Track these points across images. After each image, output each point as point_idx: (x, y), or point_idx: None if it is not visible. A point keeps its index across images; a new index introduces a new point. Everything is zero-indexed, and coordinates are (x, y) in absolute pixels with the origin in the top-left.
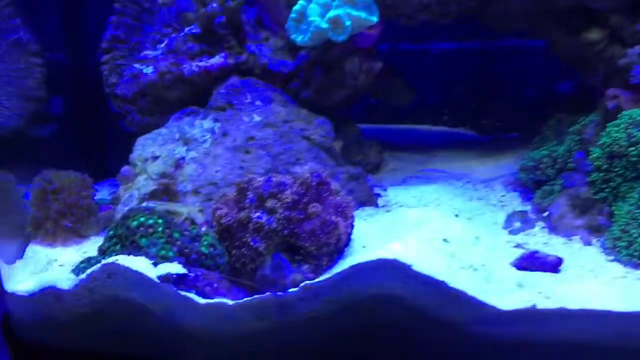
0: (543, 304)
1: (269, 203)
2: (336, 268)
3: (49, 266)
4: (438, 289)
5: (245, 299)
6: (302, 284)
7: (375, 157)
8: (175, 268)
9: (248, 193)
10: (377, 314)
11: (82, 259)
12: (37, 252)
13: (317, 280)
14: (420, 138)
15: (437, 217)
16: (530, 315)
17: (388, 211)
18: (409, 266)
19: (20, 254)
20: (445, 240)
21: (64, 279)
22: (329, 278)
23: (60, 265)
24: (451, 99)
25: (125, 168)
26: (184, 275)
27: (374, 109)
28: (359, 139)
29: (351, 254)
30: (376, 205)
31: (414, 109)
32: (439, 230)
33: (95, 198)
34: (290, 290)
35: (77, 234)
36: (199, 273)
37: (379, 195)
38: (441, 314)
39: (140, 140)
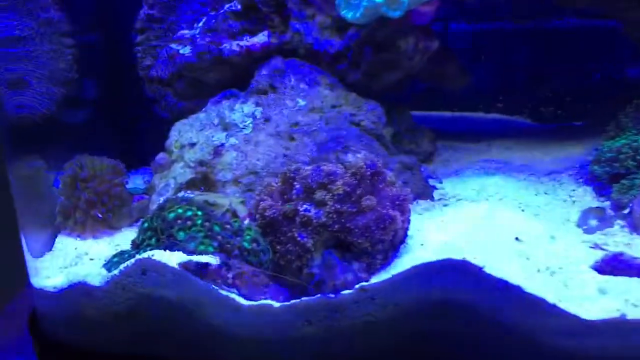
0: (633, 313)
1: (318, 195)
2: (393, 268)
3: (79, 260)
4: (513, 295)
5: (293, 301)
6: (358, 285)
7: (428, 146)
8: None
9: (295, 183)
10: (441, 322)
11: (114, 253)
12: (66, 244)
13: (374, 281)
14: (474, 126)
15: (505, 213)
16: (619, 327)
17: (445, 205)
18: (480, 268)
19: (50, 246)
20: (517, 239)
21: (95, 275)
22: (388, 279)
23: (91, 259)
24: (507, 84)
25: (160, 155)
26: (205, 264)
27: (422, 94)
28: (411, 126)
29: (408, 252)
30: (432, 198)
31: (465, 95)
32: (510, 228)
33: (128, 187)
34: (344, 292)
35: (108, 225)
36: (229, 263)
37: (434, 187)
38: (516, 324)
39: (177, 125)
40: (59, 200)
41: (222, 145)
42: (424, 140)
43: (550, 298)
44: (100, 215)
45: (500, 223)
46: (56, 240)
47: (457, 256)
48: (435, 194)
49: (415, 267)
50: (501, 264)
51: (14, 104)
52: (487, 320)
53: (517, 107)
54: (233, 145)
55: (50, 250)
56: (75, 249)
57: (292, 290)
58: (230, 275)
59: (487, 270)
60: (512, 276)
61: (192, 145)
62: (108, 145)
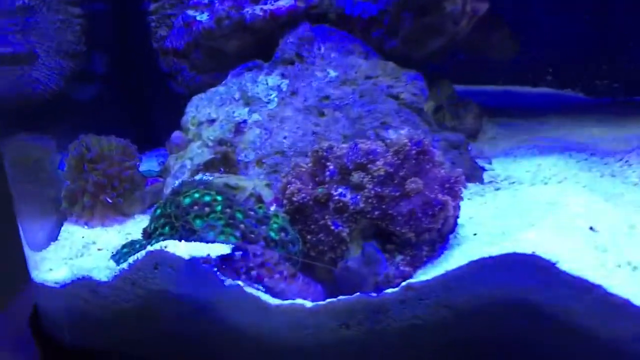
0: None
1: (356, 177)
2: (442, 262)
3: (86, 250)
4: (592, 295)
5: (328, 300)
6: (404, 282)
7: (473, 123)
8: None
9: (328, 164)
10: (503, 328)
11: (124, 243)
12: (72, 232)
13: (421, 278)
14: (521, 101)
15: (575, 198)
16: None
17: (497, 189)
18: (553, 264)
19: (55, 235)
20: (591, 228)
21: (102, 268)
22: (440, 276)
23: (99, 250)
24: (558, 55)
25: (176, 134)
26: (228, 256)
27: (463, 66)
28: (454, 101)
29: (459, 244)
30: (482, 181)
31: (511, 67)
32: (581, 216)
33: (141, 169)
34: (388, 290)
35: (119, 212)
36: (252, 252)
37: (482, 168)
38: (595, 330)
39: (194, 100)
40: (64, 185)
41: (244, 121)
42: (468, 116)
43: (637, 300)
44: (109, 200)
45: (570, 210)
46: (62, 228)
47: (519, 249)
48: (485, 176)
49: (473, 263)
50: (575, 259)
51: (27, 78)
52: (560, 326)
53: (569, 80)
54: (256, 122)
55: (56, 239)
56: (82, 237)
57: (325, 287)
58: (255, 269)
59: (561, 266)
60: (589, 273)
61: (211, 122)
62: (119, 124)
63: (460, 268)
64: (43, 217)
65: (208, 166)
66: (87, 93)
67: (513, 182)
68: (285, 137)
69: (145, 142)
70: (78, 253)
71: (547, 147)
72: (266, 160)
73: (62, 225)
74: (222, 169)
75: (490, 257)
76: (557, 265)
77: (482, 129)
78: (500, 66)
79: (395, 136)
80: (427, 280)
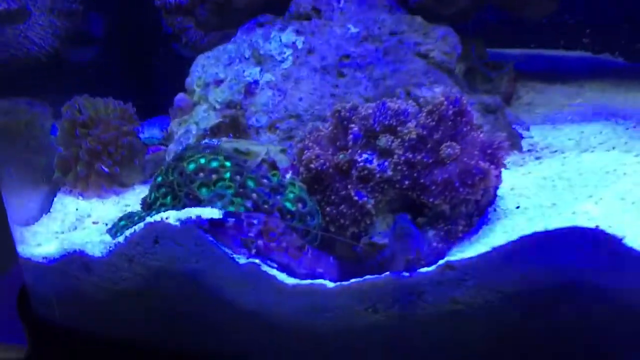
0: None
1: (383, 140)
2: (482, 238)
3: (79, 223)
4: None
5: (354, 280)
6: (443, 260)
7: (507, 86)
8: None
9: (351, 126)
10: (559, 313)
11: (121, 215)
12: (65, 204)
13: (458, 256)
14: (556, 65)
15: (632, 167)
16: None
17: (538, 158)
18: (620, 240)
19: (47, 207)
20: None
21: (96, 243)
22: (485, 254)
23: (94, 223)
24: (595, 16)
25: (179, 96)
26: (219, 221)
27: (493, 26)
28: (486, 62)
29: (499, 218)
30: (520, 150)
31: (544, 29)
32: None
33: (142, 137)
34: (423, 269)
35: (116, 182)
36: (248, 219)
37: (520, 135)
38: None
39: (200, 59)
40: (57, 151)
41: (256, 82)
42: (502, 79)
43: None
44: (106, 169)
45: (630, 180)
46: (55, 199)
47: (578, 223)
48: (523, 145)
49: (525, 238)
50: None
51: (21, 39)
52: (629, 313)
53: (607, 43)
54: (269, 83)
55: (48, 212)
56: (76, 210)
57: (345, 266)
58: (266, 242)
59: (628, 242)
60: None
61: (219, 82)
62: (120, 90)
63: (509, 244)
64: (33, 187)
65: (215, 131)
66: (84, 56)
67: (555, 151)
68: (300, 100)
69: (147, 109)
70: (71, 226)
71: (590, 114)
72: (280, 124)
73: (54, 196)
74: (230, 135)
75: (545, 232)
76: (624, 242)
77: (516, 94)
78: (532, 28)
79: (429, 94)
80: (470, 258)
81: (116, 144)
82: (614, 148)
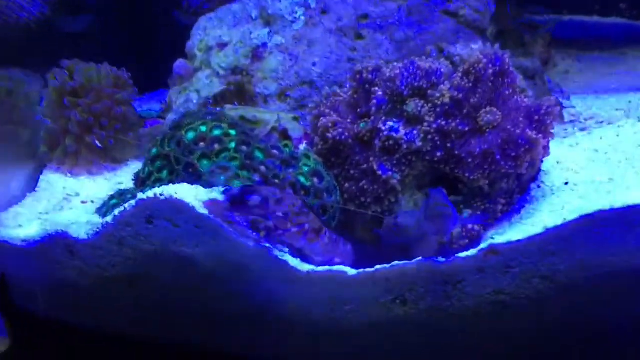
0: None
1: (412, 106)
2: (525, 219)
3: (67, 203)
4: None
5: (379, 267)
6: (485, 244)
7: (542, 52)
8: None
9: (374, 89)
10: (627, 305)
11: (112, 193)
12: (52, 182)
13: (498, 239)
14: (593, 32)
15: None
16: None
17: (583, 129)
18: None
19: (33, 186)
20: None
21: (82, 223)
22: (537, 237)
23: (83, 202)
24: None
25: (179, 62)
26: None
27: None
28: (518, 26)
29: (544, 196)
30: (562, 120)
31: None
32: None
33: (140, 110)
34: (461, 254)
35: (108, 157)
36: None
37: (561, 105)
38: None
39: (202, 21)
40: (44, 124)
41: (264, 45)
42: (536, 44)
43: None
44: (98, 144)
45: None
46: (41, 177)
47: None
48: (564, 115)
49: (586, 218)
50: None
51: (9, 2)
52: None
53: None
54: (279, 46)
55: (34, 191)
56: (64, 188)
57: (369, 250)
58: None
59: None
60: None
61: (223, 46)
62: (116, 62)
63: (566, 225)
64: (16, 164)
65: (218, 100)
66: (77, 25)
67: (601, 122)
68: (314, 65)
69: (147, 83)
70: (57, 206)
71: (636, 83)
72: (291, 92)
73: (40, 173)
74: (235, 103)
75: (612, 210)
76: None
77: (551, 62)
78: None
79: (466, 52)
80: (518, 242)
81: (109, 115)
82: None
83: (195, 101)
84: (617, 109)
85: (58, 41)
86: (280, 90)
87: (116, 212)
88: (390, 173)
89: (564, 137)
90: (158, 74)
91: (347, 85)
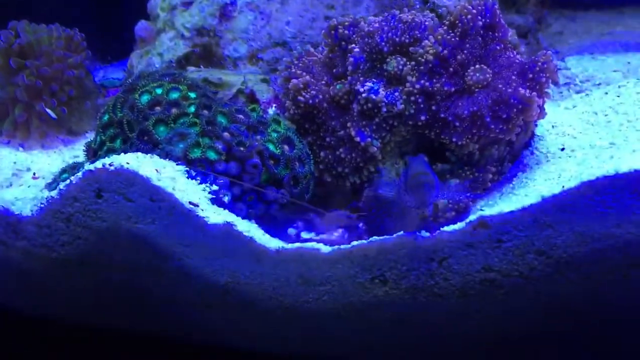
0: None
1: (393, 64)
2: (518, 189)
3: (16, 179)
4: None
5: (356, 243)
6: (474, 216)
7: (534, 11)
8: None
9: (351, 47)
10: (625, 284)
11: (64, 166)
12: (1, 156)
13: (491, 211)
14: None
15: None
16: None
17: (579, 91)
18: None
19: None
20: None
21: (28, 199)
22: (531, 207)
23: (35, 177)
24: None
25: (140, 24)
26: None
27: None
28: None
29: (539, 163)
30: (557, 82)
31: None
32: None
33: (101, 79)
34: (446, 228)
35: (65, 129)
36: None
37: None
38: None
39: None
40: None
41: (233, 3)
42: (528, 2)
43: None
44: (52, 114)
45: None
46: None
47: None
48: (560, 77)
49: (587, 185)
50: None
51: None
52: None
53: None
54: (249, 4)
55: None
56: (14, 163)
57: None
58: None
59: None
60: None
61: (188, 4)
62: (82, 29)
63: (565, 194)
64: None
65: (183, 63)
66: None
67: (599, 84)
68: (287, 24)
69: (114, 51)
70: (5, 183)
71: (634, 43)
72: (262, 54)
73: None
74: (201, 67)
75: (616, 176)
76: None
77: (544, 22)
78: None
79: (452, 3)
80: (510, 213)
81: (61, 79)
82: None
83: (157, 65)
84: (614, 70)
85: (15, 4)
86: (251, 52)
87: (61, 185)
88: (369, 139)
89: (559, 100)
90: (128, 42)
91: (324, 42)
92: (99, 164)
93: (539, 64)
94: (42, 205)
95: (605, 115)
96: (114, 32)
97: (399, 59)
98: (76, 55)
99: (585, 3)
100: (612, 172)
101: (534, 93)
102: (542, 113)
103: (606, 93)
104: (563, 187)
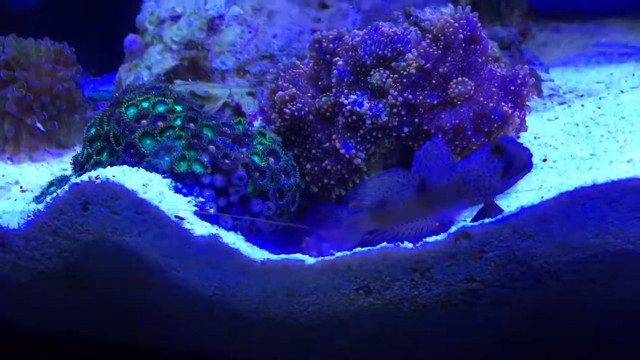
0: None
1: (376, 76)
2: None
3: (4, 192)
4: None
5: (340, 254)
6: (456, 227)
7: (519, 23)
8: None
9: (335, 60)
10: (613, 291)
11: (52, 179)
12: None
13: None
14: (573, 3)
15: None
16: None
17: (562, 103)
18: None
19: None
20: None
21: (15, 212)
22: (511, 217)
23: (23, 191)
24: None
25: (129, 38)
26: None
27: None
28: None
29: None
30: (541, 94)
31: None
32: None
33: (91, 92)
34: (429, 239)
35: (54, 142)
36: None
37: (539, 78)
38: None
39: None
40: None
41: (221, 16)
42: (513, 14)
43: None
44: (41, 127)
45: None
46: None
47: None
48: (544, 88)
49: (566, 195)
50: None
51: None
52: None
53: None
54: (236, 17)
55: None
56: (3, 176)
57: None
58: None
59: None
60: None
61: (176, 18)
62: (73, 42)
63: (544, 204)
64: None
65: (171, 76)
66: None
67: (581, 95)
68: (274, 37)
69: (105, 64)
70: None
71: (617, 54)
72: (250, 67)
73: None
74: (189, 80)
75: (594, 187)
76: None
77: (529, 33)
78: None
79: (435, 16)
80: (491, 223)
81: (51, 93)
82: None
83: (146, 78)
84: (597, 82)
85: (8, 20)
86: (238, 65)
87: (48, 198)
88: (354, 151)
89: (542, 112)
90: (118, 55)
91: (309, 55)
92: (85, 177)
93: (519, 77)
94: (30, 218)
95: (587, 126)
96: (104, 45)
97: (382, 71)
98: (66, 69)
99: (570, 15)
100: (589, 183)
101: (516, 108)
102: (523, 126)
103: (586, 104)
104: (542, 197)
